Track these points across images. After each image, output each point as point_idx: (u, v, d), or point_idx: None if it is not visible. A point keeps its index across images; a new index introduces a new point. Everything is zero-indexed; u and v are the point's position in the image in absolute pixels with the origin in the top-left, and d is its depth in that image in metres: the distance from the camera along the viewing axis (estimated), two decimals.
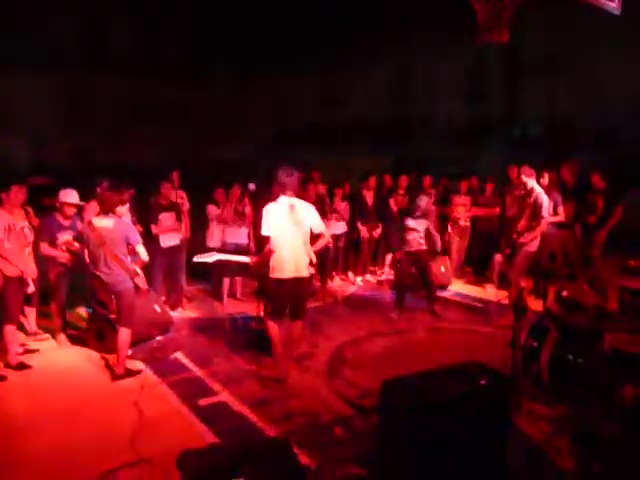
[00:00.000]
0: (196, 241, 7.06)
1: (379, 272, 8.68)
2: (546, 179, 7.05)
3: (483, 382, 3.49)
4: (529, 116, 12.08)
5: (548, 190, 6.97)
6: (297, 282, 4.61)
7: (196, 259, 4.99)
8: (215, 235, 6.90)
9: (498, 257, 7.59)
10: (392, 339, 5.79)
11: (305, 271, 4.67)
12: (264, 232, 4.55)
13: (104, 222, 4.67)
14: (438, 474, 3.14)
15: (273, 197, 4.76)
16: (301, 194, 7.11)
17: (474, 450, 3.27)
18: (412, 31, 12.95)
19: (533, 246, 6.24)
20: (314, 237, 4.74)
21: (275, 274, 4.59)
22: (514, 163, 7.71)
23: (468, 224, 8.36)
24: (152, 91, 16.57)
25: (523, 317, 5.51)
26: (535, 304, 6.08)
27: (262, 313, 4.97)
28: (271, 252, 4.53)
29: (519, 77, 12.37)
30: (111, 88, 16.20)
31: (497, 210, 7.95)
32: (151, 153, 15.30)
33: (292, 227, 4.55)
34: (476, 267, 8.51)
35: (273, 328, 4.71)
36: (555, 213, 6.88)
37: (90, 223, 4.69)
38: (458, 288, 7.97)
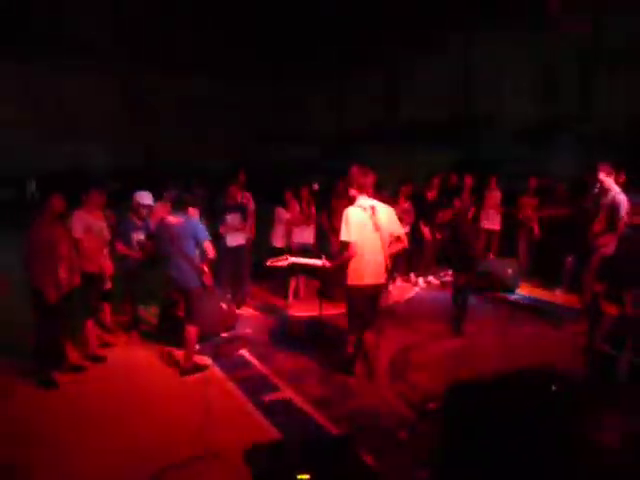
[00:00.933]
0: (260, 241, 7.22)
1: (442, 273, 8.51)
2: (623, 178, 6.68)
3: (554, 388, 3.36)
4: (607, 114, 11.45)
5: (624, 190, 6.61)
6: (375, 289, 4.45)
7: (270, 263, 4.99)
8: (279, 235, 7.03)
9: (569, 259, 7.27)
10: (457, 342, 5.66)
11: (383, 278, 4.49)
12: (344, 237, 4.33)
13: (175, 220, 4.87)
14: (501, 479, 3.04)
15: (345, 199, 4.65)
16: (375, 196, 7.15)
17: (542, 459, 3.14)
18: (478, 27, 12.65)
19: (609, 249, 5.90)
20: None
21: (353, 281, 4.40)
22: (589, 162, 7.34)
23: (535, 225, 8.05)
24: (217, 92, 17.04)
25: (598, 322, 5.26)
26: (609, 309, 5.77)
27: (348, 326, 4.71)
28: (350, 257, 4.34)
29: (596, 72, 11.75)
30: (176, 89, 16.78)
31: (568, 211, 7.59)
32: (216, 154, 15.75)
33: (373, 231, 4.36)
34: (546, 270, 8.17)
35: (351, 344, 4.59)
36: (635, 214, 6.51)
37: (163, 221, 4.90)
38: (526, 292, 7.69)
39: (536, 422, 3.18)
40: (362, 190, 4.43)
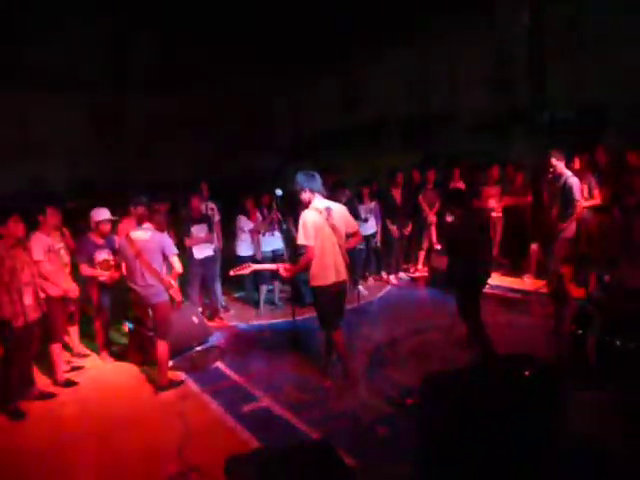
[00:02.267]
0: (228, 251, 7.15)
1: (412, 270, 8.59)
2: (577, 163, 6.88)
3: (527, 373, 3.41)
4: (557, 101, 11.76)
5: (581, 174, 6.79)
6: (339, 286, 4.55)
7: (232, 273, 5.00)
8: (245, 245, 6.94)
9: (534, 246, 7.43)
10: (431, 336, 5.71)
11: (345, 274, 4.60)
12: (301, 241, 4.44)
13: (141, 234, 4.79)
14: (484, 468, 3.07)
15: (300, 203, 4.71)
16: (332, 197, 7.15)
17: (521, 442, 3.18)
18: (428, 24, 12.86)
19: (569, 232, 6.03)
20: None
21: (318, 282, 4.50)
22: (545, 150, 7.52)
23: (500, 214, 8.21)
24: (174, 106, 16.93)
25: (565, 305, 5.39)
26: (576, 291, 5.91)
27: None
28: (310, 260, 4.43)
29: (544, 61, 12.07)
30: (136, 106, 16.60)
31: (529, 199, 7.76)
32: (178, 167, 15.61)
33: (330, 232, 4.47)
34: (512, 258, 8.33)
35: (337, 336, 4.61)
36: (590, 197, 6.69)
37: (128, 236, 4.80)
38: (495, 281, 7.81)
39: (514, 407, 3.23)
40: (314, 193, 4.54)
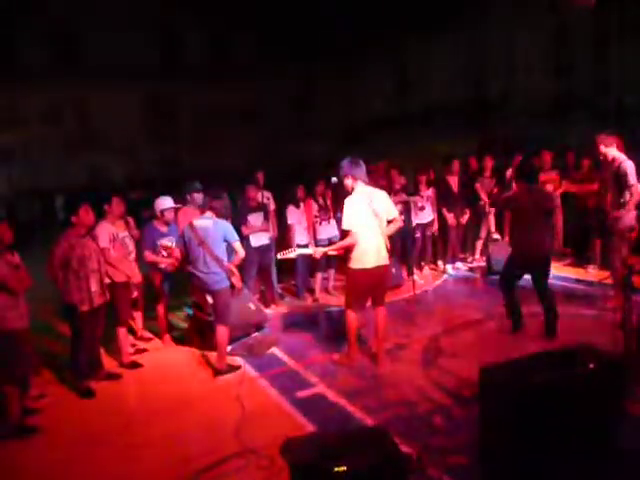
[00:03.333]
0: (284, 239, 7.23)
1: (470, 259, 8.40)
2: None
3: (592, 366, 3.29)
4: (624, 85, 11.12)
5: None
6: (379, 270, 4.67)
7: (279, 256, 5.17)
8: (297, 234, 6.96)
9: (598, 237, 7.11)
10: (488, 326, 5.59)
11: (386, 259, 4.74)
12: (345, 226, 4.62)
13: (204, 222, 4.93)
14: (543, 461, 2.99)
15: (344, 190, 4.81)
16: (384, 183, 7.09)
17: (583, 436, 3.08)
18: (484, 3, 12.44)
19: (628, 220, 5.51)
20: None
21: (358, 265, 4.64)
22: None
23: (558, 201, 7.86)
24: (226, 96, 17.16)
25: (631, 297, 5.12)
26: None
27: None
28: (351, 245, 4.59)
29: (609, 43, 11.43)
30: (189, 96, 16.96)
31: (595, 186, 7.38)
32: (234, 156, 15.85)
33: (372, 217, 4.60)
34: (576, 247, 8.00)
35: (353, 318, 4.79)
36: None
37: (191, 224, 4.95)
38: (557, 271, 7.54)
39: (576, 400, 3.12)
40: (357, 179, 4.67)
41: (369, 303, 4.88)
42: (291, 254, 5.12)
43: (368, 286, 4.73)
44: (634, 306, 4.81)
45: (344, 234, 4.72)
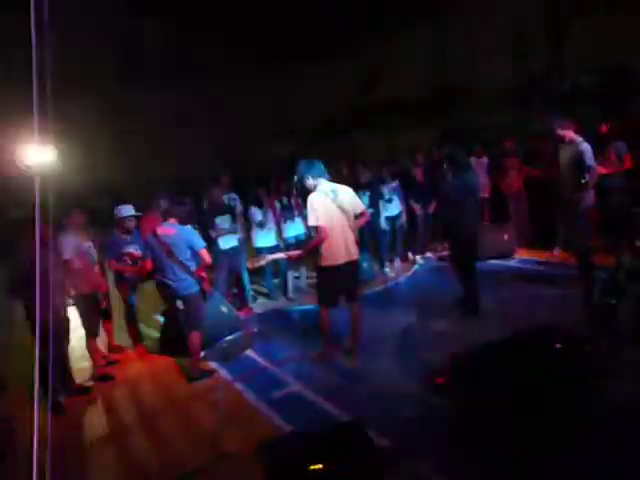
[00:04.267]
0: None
1: (439, 248, 8.50)
2: (605, 129, 6.65)
3: (558, 345, 3.37)
4: (578, 66, 11.36)
5: (609, 140, 6.58)
6: (350, 265, 4.69)
7: (249, 265, 5.21)
8: (260, 235, 6.90)
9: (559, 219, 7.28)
10: (458, 314, 5.66)
11: (356, 253, 4.76)
12: (311, 223, 4.62)
13: (168, 230, 4.86)
14: (519, 443, 3.05)
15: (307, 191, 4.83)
16: (350, 178, 7.11)
17: (556, 413, 3.15)
18: None
19: (588, 200, 5.57)
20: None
21: (328, 262, 4.65)
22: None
23: (521, 187, 8.03)
24: (189, 99, 16.92)
25: (592, 275, 5.26)
26: (604, 260, 5.78)
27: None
28: (323, 240, 4.59)
29: (563, 26, 11.67)
30: (147, 100, 16.64)
31: (556, 170, 7.53)
32: (195, 160, 15.66)
33: (338, 213, 4.61)
34: (541, 231, 8.17)
35: (325, 316, 4.82)
36: (620, 162, 6.49)
37: (155, 233, 4.88)
38: (524, 255, 7.70)
39: (546, 380, 3.19)
40: (317, 178, 4.71)
41: (342, 299, 4.89)
42: (262, 262, 5.14)
43: (339, 282, 4.74)
44: (595, 284, 4.96)
45: (312, 231, 4.75)
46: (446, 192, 5.72)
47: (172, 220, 4.90)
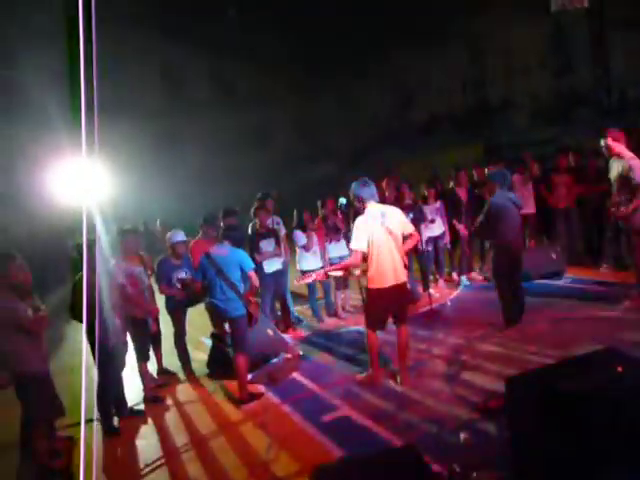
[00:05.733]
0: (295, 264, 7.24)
1: (485, 268, 8.34)
2: None
3: (620, 369, 3.23)
4: (624, 79, 11.11)
5: None
6: (398, 288, 4.65)
7: (296, 282, 5.28)
8: (305, 258, 6.94)
9: (610, 235, 7.06)
10: (509, 335, 5.52)
11: (404, 276, 4.72)
12: (353, 246, 4.66)
13: (220, 251, 4.98)
14: (576, 471, 2.93)
15: (354, 211, 4.87)
16: (393, 199, 7.13)
17: (616, 443, 3.01)
18: (477, 13, 12.59)
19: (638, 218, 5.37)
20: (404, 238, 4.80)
21: (375, 284, 4.64)
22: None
23: (572, 204, 7.83)
24: (229, 125, 17.36)
25: None
26: None
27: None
28: (353, 264, 4.69)
29: (606, 39, 11.46)
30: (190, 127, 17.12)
31: (605, 187, 7.32)
32: (243, 182, 15.96)
33: (386, 235, 4.60)
34: (591, 249, 7.93)
35: (373, 338, 4.78)
36: None
37: (208, 254, 5.01)
38: (574, 274, 7.46)
39: (606, 405, 3.06)
40: (367, 200, 4.72)
41: (391, 321, 4.86)
42: (308, 280, 5.28)
43: (387, 305, 4.72)
44: None
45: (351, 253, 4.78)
46: (490, 209, 5.67)
47: (226, 242, 5.03)
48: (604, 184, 7.17)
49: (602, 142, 5.51)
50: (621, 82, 11.23)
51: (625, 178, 5.33)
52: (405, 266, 4.77)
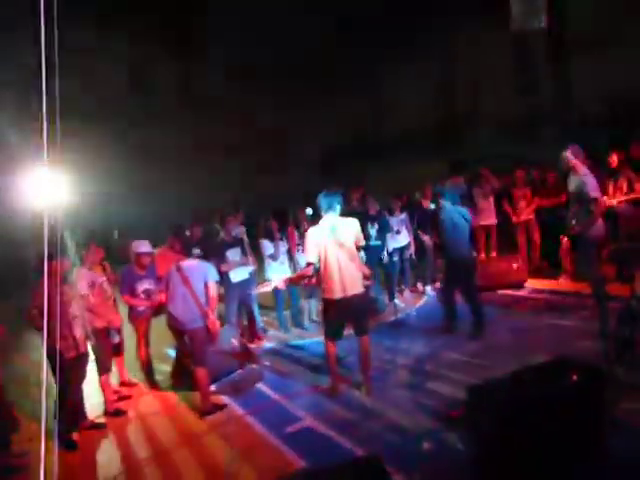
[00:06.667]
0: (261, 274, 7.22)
1: None
2: (615, 159, 6.72)
3: (574, 377, 3.34)
4: (585, 98, 11.54)
5: (619, 169, 6.64)
6: (348, 301, 4.64)
7: (256, 290, 5.33)
8: (273, 268, 6.91)
9: (564, 247, 7.29)
10: (472, 345, 5.63)
11: (356, 288, 4.68)
12: (306, 258, 4.72)
13: (190, 262, 4.99)
14: (533, 476, 3.01)
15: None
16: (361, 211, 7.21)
17: (570, 449, 3.11)
18: (444, 29, 12.90)
19: (596, 231, 5.48)
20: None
21: (326, 295, 4.71)
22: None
23: (532, 217, 8.09)
24: (201, 133, 17.26)
25: (607, 306, 5.23)
26: (620, 290, 5.74)
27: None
28: (303, 275, 4.92)
29: (566, 60, 11.89)
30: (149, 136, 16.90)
31: (562, 199, 7.56)
32: (210, 190, 15.83)
33: (336, 248, 4.62)
34: (550, 261, 8.17)
35: (330, 348, 4.81)
36: (631, 191, 6.54)
37: (179, 266, 4.96)
38: (535, 284, 7.67)
39: (561, 413, 3.16)
40: (323, 210, 4.77)
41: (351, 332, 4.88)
42: (267, 287, 5.30)
43: (338, 315, 4.73)
44: (610, 314, 4.92)
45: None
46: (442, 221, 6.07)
47: (196, 252, 5.01)
48: (563, 196, 7.46)
49: (562, 155, 5.66)
50: (584, 100, 11.64)
51: (579, 194, 5.49)
52: (366, 277, 4.80)
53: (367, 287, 5.04)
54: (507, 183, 8.54)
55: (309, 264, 4.69)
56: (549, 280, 7.69)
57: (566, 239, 7.15)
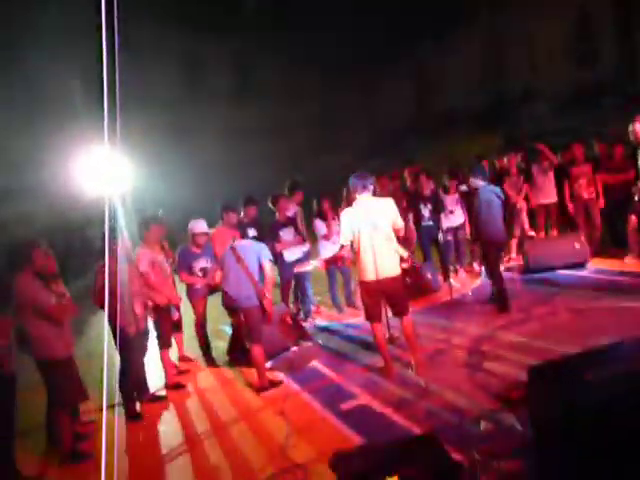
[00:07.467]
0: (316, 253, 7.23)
1: (506, 258, 8.25)
2: None
3: None
4: None
5: None
6: (382, 283, 4.59)
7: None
8: (326, 247, 6.85)
9: (632, 223, 6.90)
10: (531, 325, 5.46)
11: (392, 270, 4.62)
12: (340, 240, 4.72)
13: (244, 242, 5.09)
14: (600, 465, 2.89)
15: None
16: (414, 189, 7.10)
17: (637, 435, 2.96)
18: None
19: None
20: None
21: (361, 277, 4.68)
22: None
23: (593, 195, 7.67)
24: (250, 116, 17.39)
25: None
26: None
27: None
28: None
29: (633, 27, 11.17)
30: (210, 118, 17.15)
31: (631, 174, 7.14)
32: (258, 171, 15.98)
33: (369, 229, 4.55)
34: (616, 240, 7.76)
35: (375, 329, 4.78)
36: None
37: (233, 247, 5.04)
38: (598, 264, 7.33)
39: (632, 397, 3.01)
40: (357, 192, 4.68)
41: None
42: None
43: (374, 298, 4.71)
44: None
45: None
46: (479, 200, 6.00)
47: (251, 231, 5.10)
48: (630, 172, 7.04)
49: (630, 127, 5.34)
50: None
51: None
52: (404, 259, 4.73)
53: (411, 268, 5.00)
54: (567, 160, 8.13)
55: (342, 246, 4.71)
56: (614, 260, 7.33)
57: (634, 217, 6.77)
